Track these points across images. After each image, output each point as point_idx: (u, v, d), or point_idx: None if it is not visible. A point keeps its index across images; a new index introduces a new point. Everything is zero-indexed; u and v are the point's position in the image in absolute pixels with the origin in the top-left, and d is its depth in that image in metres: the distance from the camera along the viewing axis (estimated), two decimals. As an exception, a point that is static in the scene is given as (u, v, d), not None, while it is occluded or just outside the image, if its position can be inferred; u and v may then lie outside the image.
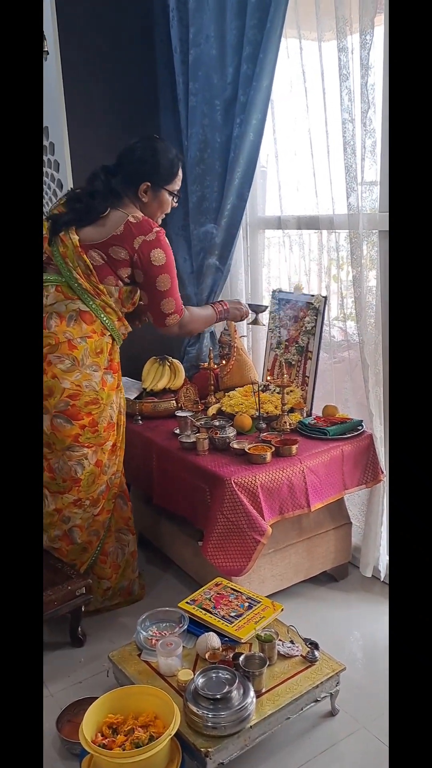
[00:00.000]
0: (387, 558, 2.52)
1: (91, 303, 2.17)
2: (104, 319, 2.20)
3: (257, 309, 2.63)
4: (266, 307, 2.67)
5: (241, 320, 2.65)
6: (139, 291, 2.27)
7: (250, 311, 2.63)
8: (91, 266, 2.13)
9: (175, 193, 2.29)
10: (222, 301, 2.57)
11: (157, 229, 2.17)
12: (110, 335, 2.24)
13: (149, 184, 2.20)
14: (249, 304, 2.62)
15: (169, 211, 2.33)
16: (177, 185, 2.29)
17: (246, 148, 2.57)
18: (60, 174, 2.80)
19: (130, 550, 2.43)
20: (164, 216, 2.34)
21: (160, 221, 2.29)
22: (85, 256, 2.12)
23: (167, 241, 2.20)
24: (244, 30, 2.46)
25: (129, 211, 2.17)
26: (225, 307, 2.52)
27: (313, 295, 2.58)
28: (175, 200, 2.31)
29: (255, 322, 2.67)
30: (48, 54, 2.67)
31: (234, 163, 2.60)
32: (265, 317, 2.71)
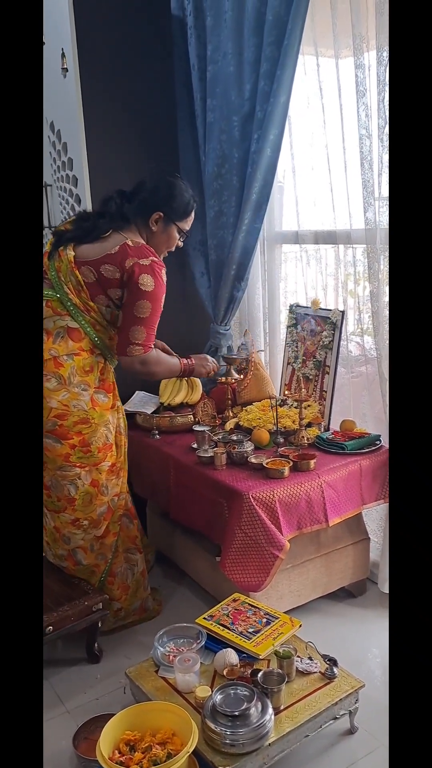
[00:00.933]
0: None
1: (80, 319, 2.16)
2: (93, 336, 2.19)
3: (230, 361, 2.63)
4: (242, 359, 2.67)
5: (207, 376, 2.55)
6: None
7: (219, 365, 2.60)
8: (82, 282, 2.13)
9: (185, 232, 2.31)
10: (189, 356, 2.46)
11: (155, 259, 2.15)
12: (101, 354, 2.23)
13: (162, 214, 2.22)
14: (223, 356, 2.58)
15: (173, 249, 2.34)
16: (188, 225, 2.31)
17: (263, 163, 2.59)
18: (78, 189, 2.83)
19: (140, 570, 2.40)
20: (167, 254, 2.33)
21: (161, 257, 2.25)
22: (77, 271, 2.13)
23: (164, 277, 2.17)
24: (262, 47, 2.49)
25: (130, 237, 2.17)
26: (191, 363, 2.43)
27: (330, 310, 2.58)
28: (182, 240, 2.33)
29: (227, 373, 2.63)
30: (67, 71, 2.71)
31: (251, 178, 2.62)
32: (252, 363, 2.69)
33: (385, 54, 2.09)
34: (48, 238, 3.08)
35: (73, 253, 2.15)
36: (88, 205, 2.79)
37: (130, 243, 2.14)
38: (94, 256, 2.14)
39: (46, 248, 2.22)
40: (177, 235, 2.29)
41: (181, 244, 2.34)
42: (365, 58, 2.19)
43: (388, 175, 2.17)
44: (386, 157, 2.16)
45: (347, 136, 2.40)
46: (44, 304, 2.17)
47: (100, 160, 2.81)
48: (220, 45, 2.66)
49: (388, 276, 2.33)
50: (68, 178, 2.89)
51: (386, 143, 2.14)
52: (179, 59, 2.93)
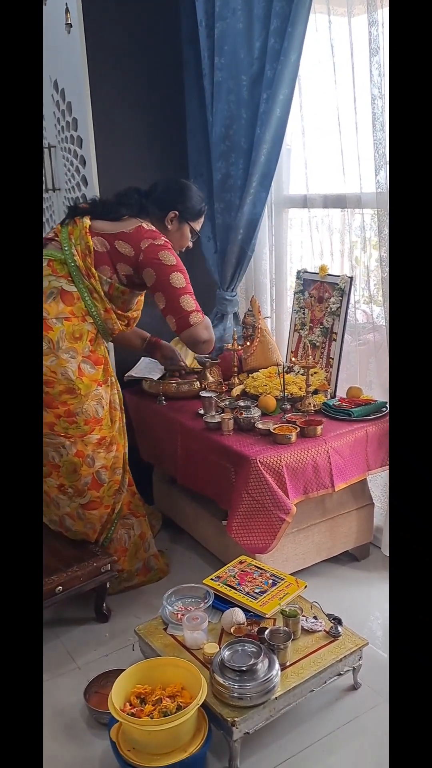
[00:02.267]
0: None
1: (79, 283, 2.18)
2: (88, 302, 2.20)
3: (203, 362, 2.68)
4: (215, 361, 2.72)
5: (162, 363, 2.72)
6: (134, 300, 2.32)
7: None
8: (91, 248, 2.18)
9: (196, 232, 2.41)
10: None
11: (167, 240, 2.23)
12: (93, 323, 2.23)
13: (177, 213, 2.32)
14: (196, 357, 2.68)
15: (184, 249, 2.40)
16: (199, 226, 2.42)
17: (273, 124, 2.55)
18: (83, 150, 2.79)
19: (137, 533, 2.42)
20: (179, 252, 2.35)
21: None
22: (89, 237, 2.18)
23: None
24: (272, 2, 2.42)
25: (145, 223, 2.25)
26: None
27: (338, 276, 2.57)
28: (192, 240, 2.43)
29: (202, 376, 2.67)
30: (71, 27, 2.64)
31: (260, 139, 2.58)
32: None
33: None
34: (48, 201, 3.07)
35: (89, 222, 2.21)
36: (93, 167, 2.75)
37: (144, 226, 2.22)
38: (109, 231, 2.21)
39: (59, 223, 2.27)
40: (189, 235, 2.39)
41: (191, 245, 2.43)
42: (379, 15, 2.13)
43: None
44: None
45: (359, 97, 2.36)
46: (45, 263, 2.20)
47: (106, 121, 2.77)
48: (229, 0, 2.59)
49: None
50: (73, 138, 2.85)
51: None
52: (186, 15, 2.85)
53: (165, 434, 2.57)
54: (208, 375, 2.68)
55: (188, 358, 2.79)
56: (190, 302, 2.20)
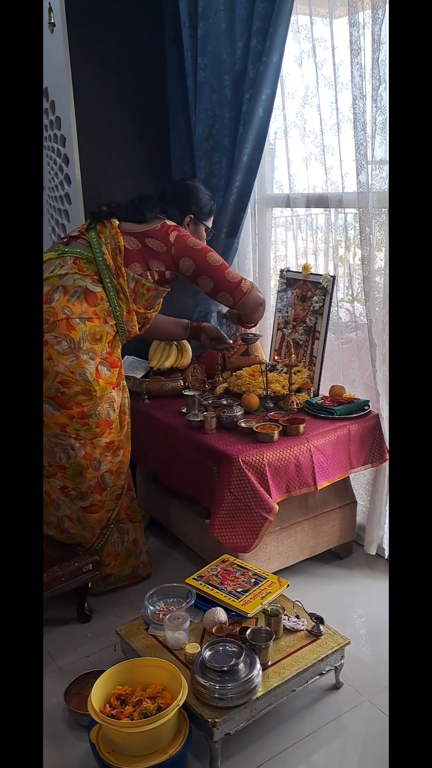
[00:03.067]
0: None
1: (107, 281, 2.19)
2: (114, 302, 2.20)
3: (247, 339, 2.65)
4: (258, 336, 2.68)
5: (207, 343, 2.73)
6: (159, 299, 2.35)
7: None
8: (122, 247, 2.21)
9: (210, 229, 2.54)
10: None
11: (187, 232, 2.34)
12: (114, 325, 2.23)
13: (192, 217, 2.44)
14: (241, 335, 2.60)
15: None
16: (211, 223, 2.55)
17: (255, 124, 2.55)
18: (66, 149, 2.77)
19: (131, 539, 2.41)
20: None
21: None
22: (120, 237, 2.21)
23: None
24: (255, 3, 2.43)
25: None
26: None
27: (321, 275, 2.57)
28: (208, 238, 2.53)
29: (246, 353, 2.65)
30: (55, 26, 2.63)
31: (243, 139, 2.58)
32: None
33: (381, 12, 2.05)
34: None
35: (117, 222, 2.24)
36: (76, 165, 2.75)
37: (168, 222, 2.31)
38: (137, 230, 2.26)
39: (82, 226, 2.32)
40: (204, 234, 2.51)
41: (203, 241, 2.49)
42: (360, 17, 2.14)
43: (385, 137, 2.15)
44: (380, 119, 2.13)
45: (340, 98, 2.37)
46: (72, 261, 2.19)
47: (89, 120, 2.76)
48: (212, 1, 2.59)
49: (381, 241, 2.32)
50: (56, 137, 2.84)
51: (380, 104, 2.11)
52: (170, 15, 2.85)
53: (148, 432, 2.57)
54: (190, 374, 2.68)
55: (169, 360, 2.78)
56: (233, 274, 2.30)
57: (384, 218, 2.29)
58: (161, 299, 2.39)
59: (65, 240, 2.29)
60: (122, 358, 2.89)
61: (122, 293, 2.21)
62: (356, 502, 2.56)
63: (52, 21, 2.64)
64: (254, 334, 2.63)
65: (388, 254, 2.33)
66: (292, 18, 2.41)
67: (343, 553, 2.59)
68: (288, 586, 2.01)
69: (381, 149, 2.16)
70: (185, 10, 2.71)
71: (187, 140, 2.86)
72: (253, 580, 2.02)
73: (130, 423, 2.36)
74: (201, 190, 2.48)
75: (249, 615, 1.89)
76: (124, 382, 2.33)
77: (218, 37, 2.61)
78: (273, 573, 2.13)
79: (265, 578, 2.03)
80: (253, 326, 2.46)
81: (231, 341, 2.72)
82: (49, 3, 2.62)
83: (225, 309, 2.66)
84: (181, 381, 2.72)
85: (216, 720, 1.60)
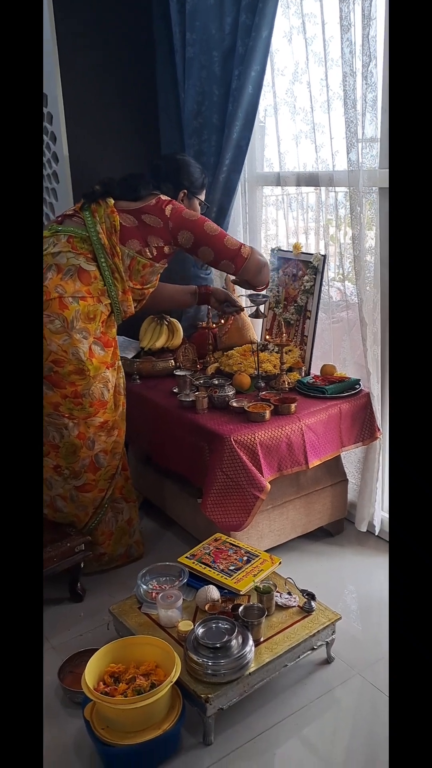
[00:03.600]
0: (382, 514, 2.56)
1: (102, 261, 2.18)
2: (109, 282, 2.19)
3: (256, 300, 2.60)
4: (266, 297, 2.62)
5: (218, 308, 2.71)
6: (155, 276, 2.33)
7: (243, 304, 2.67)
8: (117, 226, 2.19)
9: (203, 202, 2.52)
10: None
11: (181, 204, 2.33)
12: (108, 305, 2.22)
13: (186, 192, 2.43)
14: (249, 296, 2.56)
15: None
16: (203, 196, 2.53)
17: (245, 101, 2.53)
18: (53, 127, 2.74)
19: (125, 518, 2.42)
20: None
21: None
22: (116, 216, 2.19)
23: None
24: (243, -23, 2.39)
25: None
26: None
27: (311, 254, 2.56)
28: (201, 211, 2.49)
29: (256, 314, 2.60)
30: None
31: (232, 116, 2.56)
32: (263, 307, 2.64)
33: (371, -15, 2.02)
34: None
35: (112, 201, 2.22)
36: (63, 143, 2.72)
37: (162, 197, 2.29)
38: (133, 207, 2.24)
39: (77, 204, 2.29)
40: (198, 208, 2.49)
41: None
42: (350, -10, 2.11)
43: (376, 115, 2.13)
44: (370, 96, 2.11)
45: (330, 74, 2.34)
46: (65, 239, 2.18)
47: (76, 97, 2.72)
48: (200, -25, 2.55)
49: (371, 220, 2.31)
50: (43, 115, 2.80)
51: (370, 81, 2.09)
52: (157, -11, 2.80)
53: (139, 412, 2.57)
54: (181, 354, 2.67)
55: (160, 340, 2.77)
56: (232, 241, 2.29)
57: (375, 197, 2.28)
58: (158, 275, 2.38)
59: (59, 219, 2.27)
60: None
61: (117, 273, 2.20)
62: (347, 480, 2.57)
63: (38, -5, 2.59)
64: (264, 295, 2.61)
65: (379, 233, 2.32)
66: (282, -8, 2.37)
67: (335, 531, 2.62)
68: (280, 563, 2.03)
69: (371, 127, 2.15)
70: (173, -16, 2.67)
71: (176, 118, 2.83)
72: (245, 558, 2.04)
73: (125, 403, 2.36)
74: (192, 164, 2.47)
75: (241, 592, 1.91)
76: (119, 363, 2.32)
77: (207, 12, 2.57)
78: (265, 551, 2.15)
79: (257, 556, 2.05)
80: (264, 288, 2.44)
81: (239, 303, 2.68)
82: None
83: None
84: (172, 361, 2.72)
85: (209, 696, 1.62)
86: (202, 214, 2.45)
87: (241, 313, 2.74)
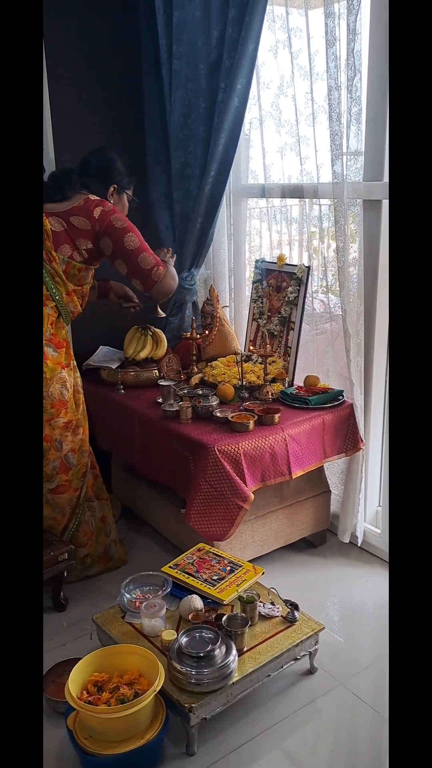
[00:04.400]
0: (365, 525, 2.57)
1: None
2: (51, 287, 2.22)
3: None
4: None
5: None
6: (89, 275, 2.33)
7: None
8: (49, 231, 2.19)
9: (133, 198, 2.51)
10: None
11: (114, 206, 2.32)
12: (54, 307, 2.24)
13: (116, 186, 2.40)
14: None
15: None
16: (131, 191, 2.51)
17: (230, 113, 2.55)
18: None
19: (99, 516, 2.44)
20: None
21: None
22: (46, 221, 2.20)
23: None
24: (230, -8, 2.42)
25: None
26: None
27: (296, 266, 2.59)
28: (130, 206, 2.50)
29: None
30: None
31: (218, 129, 2.57)
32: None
33: (356, 3, 2.06)
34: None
35: None
36: (50, 151, 2.72)
37: (91, 196, 2.29)
38: (61, 209, 2.24)
39: None
40: (127, 203, 2.48)
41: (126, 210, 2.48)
42: (335, 7, 2.14)
43: (360, 128, 2.16)
44: (355, 110, 2.14)
45: (316, 88, 2.37)
46: None
47: (62, 109, 2.73)
48: (187, -12, 2.57)
49: (355, 233, 2.34)
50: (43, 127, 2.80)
51: (355, 95, 2.12)
52: (144, 2, 2.82)
53: (123, 423, 2.56)
54: (165, 364, 2.68)
55: (144, 350, 2.77)
56: (148, 259, 2.26)
57: (358, 209, 2.31)
58: (93, 272, 2.38)
59: None
60: (98, 348, 2.90)
61: (58, 277, 2.22)
62: (330, 491, 2.59)
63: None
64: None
65: (362, 246, 2.35)
66: (268, 7, 2.40)
67: (317, 542, 2.62)
68: (263, 573, 2.03)
69: (356, 140, 2.18)
70: (160, -2, 2.69)
71: (161, 129, 2.84)
72: (228, 568, 2.04)
73: (84, 402, 2.39)
74: (121, 158, 2.44)
75: (225, 602, 1.91)
76: (74, 362, 2.35)
77: (193, 25, 2.59)
78: (248, 561, 2.15)
79: (241, 566, 2.05)
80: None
81: (136, 300, 2.70)
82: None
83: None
84: (156, 371, 2.72)
85: (192, 705, 1.61)
86: (130, 209, 2.47)
87: (224, 323, 2.76)
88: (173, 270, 2.36)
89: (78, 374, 2.36)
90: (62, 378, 2.24)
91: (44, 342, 2.19)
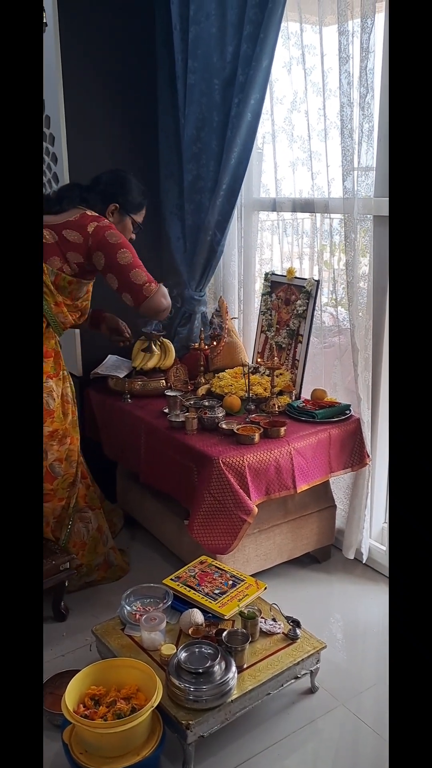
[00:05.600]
0: (370, 541, 2.55)
1: None
2: None
3: (150, 336, 2.64)
4: (161, 334, 2.67)
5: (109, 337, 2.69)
6: (83, 289, 2.32)
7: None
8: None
9: (138, 225, 2.45)
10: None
11: (110, 223, 2.29)
12: (43, 318, 2.24)
13: (117, 206, 2.36)
14: (143, 330, 2.61)
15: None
16: (141, 218, 2.46)
17: (243, 128, 2.56)
18: (55, 148, 2.77)
19: (94, 527, 2.42)
20: None
21: None
22: None
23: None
24: (245, 9, 2.44)
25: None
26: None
27: (305, 279, 2.59)
28: (135, 233, 2.45)
29: (148, 349, 2.65)
30: (46, 26, 2.63)
31: (231, 142, 2.59)
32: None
33: (370, 21, 2.07)
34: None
35: None
36: (65, 164, 2.74)
37: (88, 212, 2.27)
38: (55, 221, 2.23)
39: None
40: (131, 227, 2.43)
41: (134, 236, 2.44)
42: (349, 25, 2.16)
43: (372, 144, 2.16)
44: (366, 126, 2.14)
45: (328, 104, 2.38)
46: None
47: (79, 119, 2.75)
48: (203, 5, 2.60)
49: (365, 247, 2.34)
50: (45, 136, 2.83)
51: (367, 112, 2.13)
52: (161, 18, 2.86)
53: (129, 432, 2.56)
54: (172, 374, 2.68)
55: (152, 360, 2.77)
56: (140, 275, 2.22)
57: (369, 224, 2.30)
58: (88, 290, 2.37)
59: None
60: (106, 357, 2.90)
61: (45, 287, 2.21)
62: (335, 506, 2.56)
63: (44, 21, 2.64)
64: (158, 333, 2.68)
65: (372, 260, 2.35)
66: (283, 24, 2.42)
67: (322, 557, 2.60)
68: (265, 588, 2.01)
69: (367, 156, 2.18)
70: (176, 14, 2.72)
71: (175, 142, 2.87)
72: (230, 582, 2.02)
73: (78, 412, 2.39)
74: (133, 182, 2.42)
75: (225, 617, 1.88)
76: (65, 372, 2.34)
77: (209, 41, 2.62)
78: (251, 575, 2.13)
79: (243, 580, 2.03)
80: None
81: (127, 334, 2.67)
82: (42, 3, 2.61)
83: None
84: (163, 381, 2.72)
85: (190, 722, 1.59)
86: (135, 234, 2.44)
87: (233, 335, 2.76)
88: (165, 290, 2.30)
89: (69, 384, 2.35)
90: (49, 387, 2.24)
91: None
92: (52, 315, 2.25)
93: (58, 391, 2.28)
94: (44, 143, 2.84)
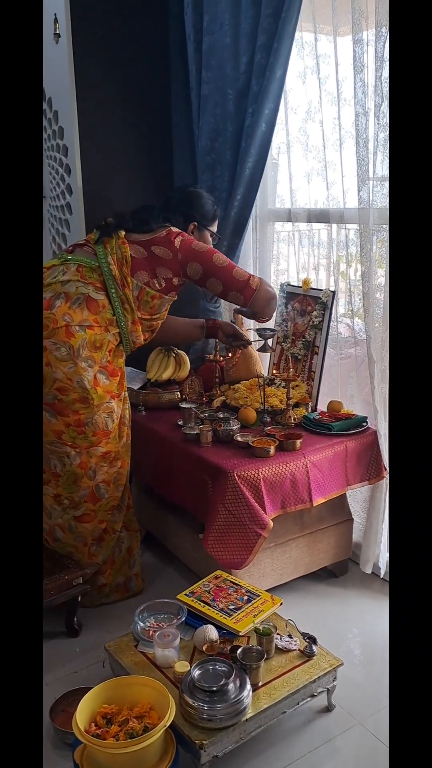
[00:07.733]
0: (387, 555, 2.50)
1: (113, 291, 2.18)
2: (119, 312, 2.20)
3: (264, 335, 2.58)
4: (274, 331, 2.61)
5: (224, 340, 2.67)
6: (165, 306, 2.33)
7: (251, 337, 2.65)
8: (128, 258, 2.20)
9: (214, 234, 2.53)
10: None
11: (191, 236, 2.36)
12: (117, 334, 2.22)
13: (196, 224, 2.44)
14: (257, 330, 2.54)
15: None
16: (215, 227, 2.54)
17: (258, 138, 2.55)
18: (68, 159, 2.78)
19: (126, 546, 2.39)
20: None
21: None
22: (126, 247, 2.20)
23: None
24: (259, 19, 2.44)
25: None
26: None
27: (321, 290, 2.56)
28: (213, 243, 2.52)
29: (263, 348, 2.57)
30: (60, 37, 2.64)
31: (245, 153, 2.58)
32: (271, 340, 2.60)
33: (384, 30, 2.05)
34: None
35: (123, 232, 2.23)
36: (78, 176, 2.75)
37: (173, 229, 2.31)
38: (143, 239, 2.25)
39: (90, 235, 2.33)
40: (210, 239, 2.50)
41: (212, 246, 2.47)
42: (364, 35, 2.14)
43: (386, 153, 2.14)
44: (382, 136, 2.12)
45: (343, 113, 2.36)
46: (75, 268, 2.19)
47: (92, 130, 2.76)
48: (217, 16, 2.60)
49: (381, 258, 2.31)
50: (58, 147, 2.84)
51: (382, 121, 2.11)
52: (175, 29, 2.87)
53: (143, 444, 2.54)
54: (187, 386, 2.66)
55: (167, 372, 2.76)
56: (241, 272, 2.28)
57: (385, 234, 2.28)
58: (168, 306, 2.37)
59: (70, 248, 2.29)
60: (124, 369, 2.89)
61: (127, 303, 2.20)
62: (352, 519, 2.53)
63: (57, 32, 2.66)
64: (272, 329, 2.59)
65: (388, 270, 2.32)
66: (297, 34, 2.42)
67: (339, 572, 2.56)
68: (281, 604, 1.98)
69: (382, 166, 2.16)
70: (190, 25, 2.73)
71: (189, 153, 2.87)
72: (245, 598, 1.99)
73: (130, 435, 2.34)
74: (204, 196, 2.49)
75: (240, 633, 1.85)
76: (126, 394, 2.31)
77: (222, 51, 2.62)
78: (266, 590, 2.10)
79: (258, 596, 2.00)
80: (267, 320, 2.44)
81: (247, 337, 2.65)
82: (55, 14, 2.63)
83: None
84: (178, 393, 2.70)
85: (204, 742, 1.56)
86: (213, 245, 2.46)
87: (249, 346, 2.73)
88: (265, 279, 2.35)
89: (128, 406, 2.32)
90: (110, 407, 2.19)
91: (98, 368, 2.14)
92: (126, 333, 2.24)
93: (117, 412, 2.23)
94: (58, 154, 2.85)
